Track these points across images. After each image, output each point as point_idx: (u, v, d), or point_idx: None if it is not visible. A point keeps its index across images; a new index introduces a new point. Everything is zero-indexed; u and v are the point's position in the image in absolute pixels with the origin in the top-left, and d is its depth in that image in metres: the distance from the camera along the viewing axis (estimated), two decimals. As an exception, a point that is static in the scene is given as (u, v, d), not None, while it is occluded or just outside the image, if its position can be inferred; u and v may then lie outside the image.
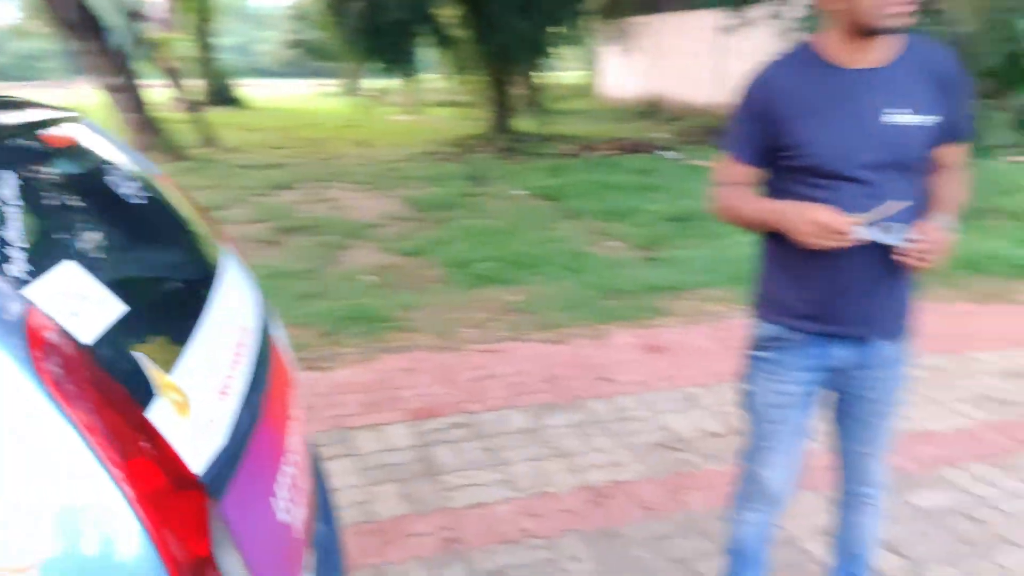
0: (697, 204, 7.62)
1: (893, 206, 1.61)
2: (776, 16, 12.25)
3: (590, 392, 3.75)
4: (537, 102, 15.75)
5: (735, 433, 3.33)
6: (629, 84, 20.93)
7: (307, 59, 40.57)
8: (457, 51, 13.93)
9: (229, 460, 1.08)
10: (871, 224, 1.61)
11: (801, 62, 1.73)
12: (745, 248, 6.10)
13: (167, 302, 1.29)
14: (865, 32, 1.63)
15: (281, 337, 1.71)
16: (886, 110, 1.66)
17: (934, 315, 4.89)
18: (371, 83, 14.36)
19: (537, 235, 6.84)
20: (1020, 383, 3.88)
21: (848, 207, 1.63)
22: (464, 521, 2.72)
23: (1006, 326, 4.69)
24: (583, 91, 25.94)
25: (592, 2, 15.85)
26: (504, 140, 13.39)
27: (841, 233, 1.60)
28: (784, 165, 1.74)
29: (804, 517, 2.72)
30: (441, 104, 23.10)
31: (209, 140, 13.83)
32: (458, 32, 13.66)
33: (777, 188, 1.78)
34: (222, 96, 24.39)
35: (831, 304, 1.77)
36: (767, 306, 1.89)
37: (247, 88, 28.42)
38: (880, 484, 2.06)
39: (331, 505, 1.79)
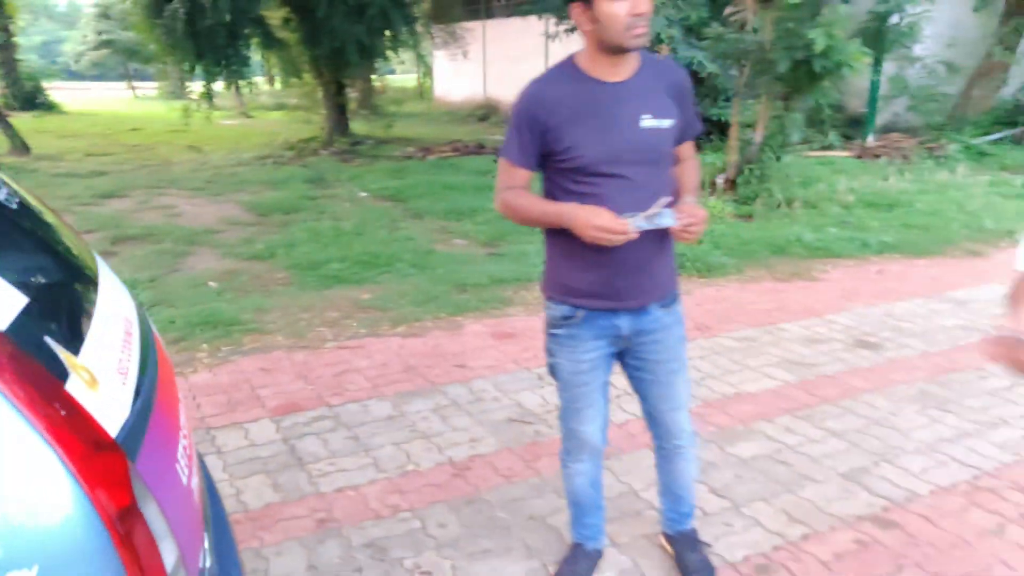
0: (535, 201, 8.00)
1: (662, 201, 1.92)
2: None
3: (447, 378, 3.96)
4: (374, 105, 15.77)
5: (580, 406, 3.65)
6: (464, 88, 21.32)
7: (120, 61, 38.20)
8: (287, 54, 13.70)
9: (136, 428, 1.19)
10: (643, 217, 1.92)
11: (565, 77, 1.99)
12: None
13: (61, 296, 1.37)
14: (613, 50, 1.91)
15: (154, 328, 1.79)
16: (638, 116, 1.96)
17: (746, 293, 5.49)
18: (196, 86, 13.80)
19: (384, 235, 6.96)
20: (818, 348, 4.45)
21: (615, 199, 1.94)
22: (335, 503, 2.85)
23: (806, 300, 5.33)
24: (420, 94, 26.11)
25: (422, 8, 16.06)
26: (342, 143, 13.33)
27: (620, 233, 1.88)
28: (557, 167, 2.00)
29: (640, 472, 3.06)
30: (273, 108, 22.54)
31: (20, 147, 12.84)
32: (287, 35, 13.44)
33: (554, 185, 2.04)
34: (31, 100, 22.60)
35: (610, 283, 2.05)
36: (557, 289, 2.14)
37: (58, 91, 26.45)
38: (687, 433, 2.34)
39: (213, 485, 1.89)
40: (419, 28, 13.93)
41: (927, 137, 12.22)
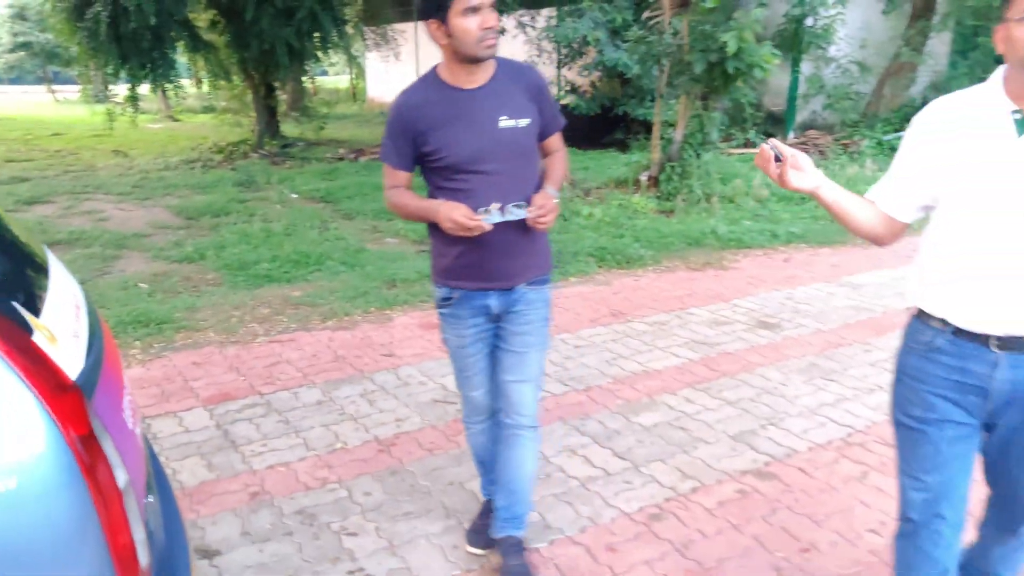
0: (464, 200, 8.26)
1: (495, 205, 2.17)
2: (522, 26, 13.33)
3: (376, 367, 4.19)
4: (305, 107, 15.78)
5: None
6: (397, 89, 21.35)
7: (38, 63, 37.08)
8: (215, 57, 13.63)
9: (90, 377, 1.41)
10: (497, 209, 2.17)
11: (429, 87, 2.24)
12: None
13: (20, 275, 1.58)
14: (468, 60, 2.16)
15: (97, 311, 2.00)
16: (496, 117, 2.21)
17: (661, 282, 5.86)
18: (121, 90, 13.62)
19: (314, 235, 7.13)
20: (722, 329, 4.83)
21: (481, 193, 2.20)
22: (267, 478, 3.06)
23: (716, 287, 5.72)
24: (353, 96, 26.08)
25: (353, 10, 16.16)
26: (273, 146, 13.34)
27: (470, 228, 2.13)
28: (431, 166, 2.25)
29: (553, 440, 3.35)
30: (201, 111, 22.24)
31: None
32: (215, 38, 13.38)
33: (431, 183, 2.29)
34: (-59, 105, 21.81)
35: (480, 266, 2.30)
36: (438, 274, 2.39)
37: (-30, 96, 25.57)
38: (530, 415, 2.45)
39: (152, 449, 2.09)
40: (349, 30, 14.03)
41: (843, 134, 12.88)
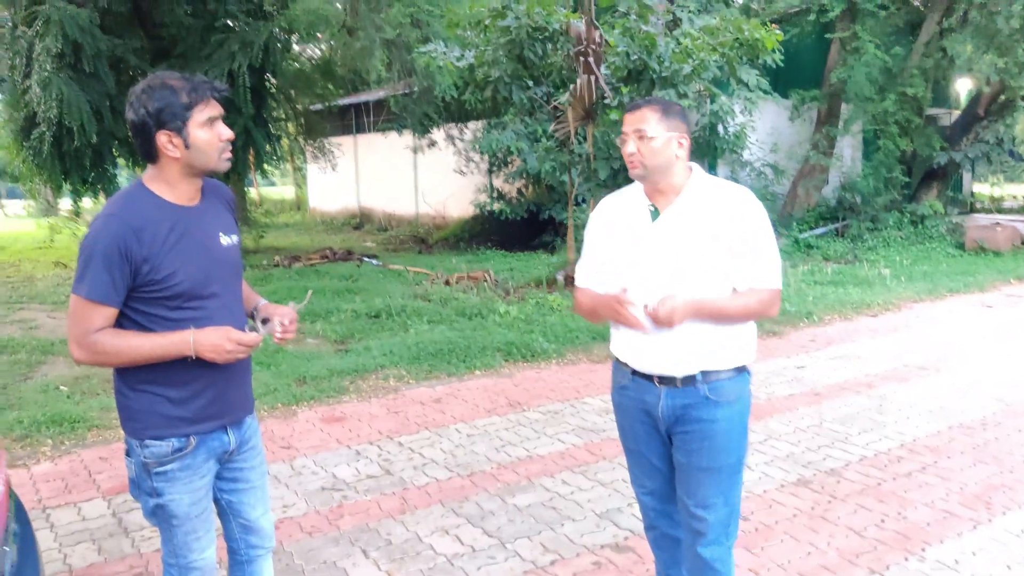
0: (392, 302, 8.65)
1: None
2: (451, 139, 14.12)
3: (272, 458, 4.43)
4: (245, 217, 16.22)
5: (388, 473, 4.21)
6: (339, 198, 22.10)
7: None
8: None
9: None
10: (252, 329, 2.13)
11: (147, 205, 2.01)
12: (425, 335, 7.17)
13: None
14: (203, 174, 2.07)
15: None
16: (216, 234, 2.11)
17: (562, 374, 6.22)
18: (65, 204, 13.96)
19: (238, 338, 7.38)
20: (610, 416, 5.17)
21: (215, 318, 2.04)
22: (152, 561, 3.27)
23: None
24: (298, 206, 26.68)
25: (292, 125, 16.88)
26: (212, 254, 13.63)
27: (252, 345, 2.03)
28: (151, 297, 1.99)
29: (429, 522, 3.62)
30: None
31: None
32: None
33: (145, 317, 2.00)
34: None
35: (222, 400, 2.12)
36: (159, 426, 2.05)
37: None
38: (273, 535, 2.39)
39: (26, 517, 2.34)
40: (284, 145, 14.62)
41: (761, 233, 13.63)
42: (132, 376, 2.05)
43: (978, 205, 18.30)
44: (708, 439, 2.30)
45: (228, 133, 2.07)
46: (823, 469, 4.24)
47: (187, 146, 2.00)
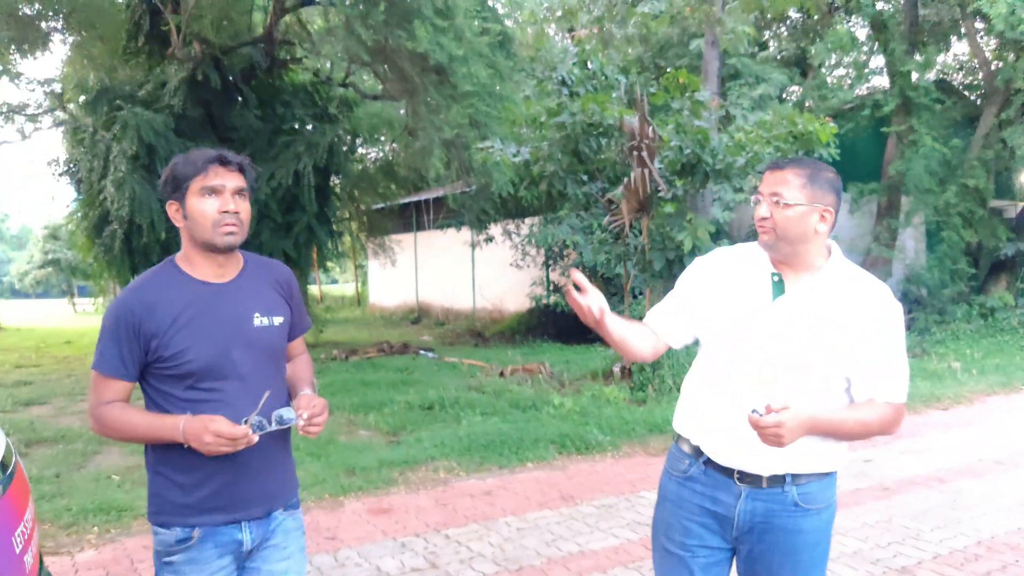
0: (446, 394, 8.58)
1: (266, 395, 1.89)
2: (508, 233, 14.31)
3: (316, 549, 4.30)
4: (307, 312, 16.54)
5: (433, 566, 4.04)
6: (398, 293, 22.45)
7: (63, 278, 39.13)
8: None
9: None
10: (261, 417, 1.87)
11: (167, 280, 1.95)
12: (477, 427, 7.05)
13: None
14: (207, 248, 1.93)
15: (21, 463, 2.27)
16: (249, 315, 1.98)
17: (617, 467, 6.00)
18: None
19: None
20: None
21: (231, 403, 1.89)
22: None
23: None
24: (358, 302, 27.18)
25: (354, 223, 17.38)
26: (271, 348, 13.87)
27: (237, 439, 1.80)
28: (164, 374, 1.91)
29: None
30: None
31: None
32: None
33: (161, 396, 1.93)
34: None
35: (231, 492, 1.94)
36: (166, 511, 1.95)
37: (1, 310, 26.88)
38: None
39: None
40: (346, 241, 14.99)
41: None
42: (151, 456, 1.98)
43: (1050, 298, 17.58)
44: (792, 554, 1.96)
45: (229, 205, 1.92)
46: (894, 567, 3.93)
47: (185, 216, 1.95)
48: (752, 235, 11.82)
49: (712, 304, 2.03)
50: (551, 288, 14.55)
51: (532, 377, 9.68)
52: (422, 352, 13.06)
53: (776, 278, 1.98)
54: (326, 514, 4.92)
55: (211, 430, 1.79)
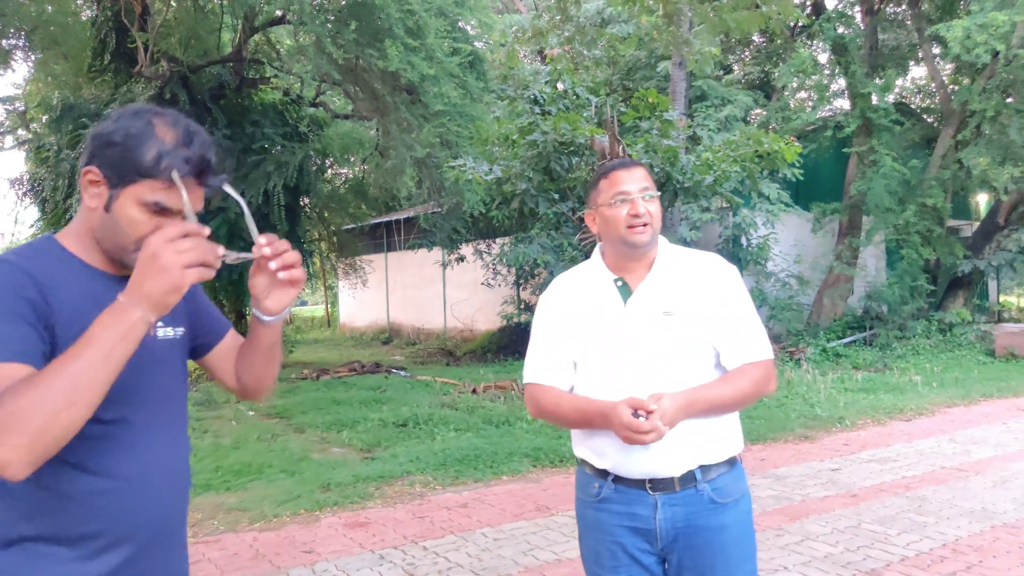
0: (419, 411, 8.57)
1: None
2: (479, 253, 14.38)
3: (292, 563, 4.28)
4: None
5: (412, 576, 4.05)
6: (368, 314, 22.35)
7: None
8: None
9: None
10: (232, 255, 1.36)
11: (56, 260, 1.44)
12: (452, 442, 7.06)
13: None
14: (104, 252, 1.46)
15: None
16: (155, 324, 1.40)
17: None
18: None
19: (261, 447, 7.32)
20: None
21: (136, 434, 1.46)
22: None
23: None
24: (328, 322, 26.99)
25: (324, 245, 17.33)
26: (240, 369, 13.71)
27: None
28: None
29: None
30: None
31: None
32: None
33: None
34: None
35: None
36: None
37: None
38: None
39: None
40: (316, 262, 14.94)
41: (788, 343, 13.52)
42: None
43: (1005, 314, 18.05)
44: (721, 552, 1.91)
45: (162, 198, 1.40)
46: (864, 570, 4.02)
47: (107, 208, 1.41)
48: (721, 252, 11.92)
49: (573, 331, 2.01)
50: (522, 307, 14.61)
51: (505, 394, 9.71)
52: (394, 371, 13.01)
53: (620, 283, 1.99)
54: (302, 529, 4.89)
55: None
